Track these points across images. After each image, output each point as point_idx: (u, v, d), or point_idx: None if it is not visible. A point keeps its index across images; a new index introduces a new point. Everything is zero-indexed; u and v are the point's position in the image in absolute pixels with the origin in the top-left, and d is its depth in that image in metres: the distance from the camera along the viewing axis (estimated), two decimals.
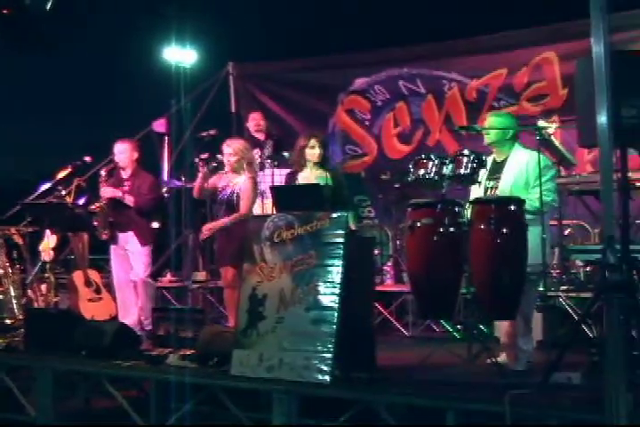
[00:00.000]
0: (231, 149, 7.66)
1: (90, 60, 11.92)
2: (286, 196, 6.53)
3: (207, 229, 7.58)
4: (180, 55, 12.55)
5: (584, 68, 4.98)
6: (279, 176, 8.06)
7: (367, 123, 12.24)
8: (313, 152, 7.36)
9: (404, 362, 6.46)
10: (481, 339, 6.48)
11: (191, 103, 11.66)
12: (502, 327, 6.54)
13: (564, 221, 8.54)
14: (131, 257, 8.33)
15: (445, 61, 11.52)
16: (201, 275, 10.36)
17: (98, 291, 8.96)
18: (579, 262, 8.39)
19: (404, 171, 7.18)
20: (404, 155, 11.57)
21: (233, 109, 13.09)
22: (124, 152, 8.42)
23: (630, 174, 5.65)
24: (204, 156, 7.72)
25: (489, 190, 6.55)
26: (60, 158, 9.61)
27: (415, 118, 11.82)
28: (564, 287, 8.12)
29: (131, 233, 8.29)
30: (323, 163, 7.42)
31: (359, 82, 12.25)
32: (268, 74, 13.01)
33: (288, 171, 7.73)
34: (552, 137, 7.91)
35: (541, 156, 6.30)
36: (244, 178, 7.58)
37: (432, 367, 5.96)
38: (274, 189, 6.90)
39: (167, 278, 10.79)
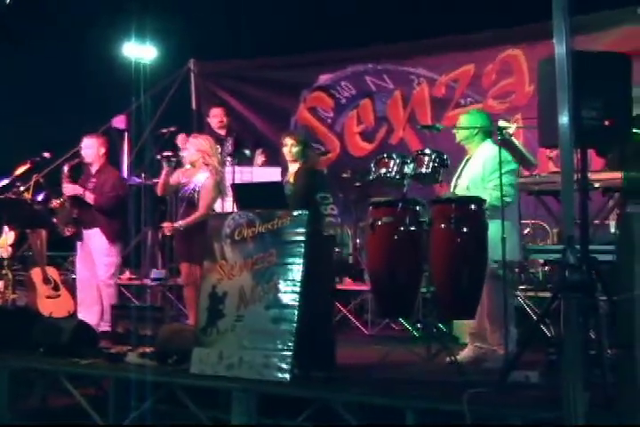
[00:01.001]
0: (193, 144, 7.59)
1: (48, 56, 11.76)
2: (247, 194, 6.51)
3: (168, 227, 7.51)
4: (140, 51, 12.47)
5: (546, 69, 5.01)
6: (240, 173, 8.02)
7: (329, 121, 12.26)
8: (285, 150, 7.50)
9: (363, 361, 6.47)
10: (440, 338, 6.49)
11: (151, 100, 11.56)
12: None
13: (523, 221, 8.58)
14: (93, 255, 8.23)
15: (411, 59, 11.55)
16: (160, 272, 10.29)
17: (56, 288, 8.89)
18: (539, 261, 8.45)
19: (364, 170, 7.20)
20: (367, 153, 11.59)
21: (194, 107, 13.05)
22: (90, 147, 8.31)
23: (590, 175, 5.68)
24: (167, 153, 7.66)
25: (456, 188, 6.60)
26: (19, 154, 9.52)
27: (379, 116, 11.84)
28: (523, 287, 8.18)
29: (95, 230, 8.17)
30: (297, 160, 7.49)
31: (324, 78, 12.26)
32: (230, 72, 12.99)
33: (249, 168, 7.73)
34: (512, 137, 7.95)
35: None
36: (205, 175, 7.49)
37: (391, 366, 5.97)
38: (234, 186, 6.88)
39: (126, 276, 10.71)
